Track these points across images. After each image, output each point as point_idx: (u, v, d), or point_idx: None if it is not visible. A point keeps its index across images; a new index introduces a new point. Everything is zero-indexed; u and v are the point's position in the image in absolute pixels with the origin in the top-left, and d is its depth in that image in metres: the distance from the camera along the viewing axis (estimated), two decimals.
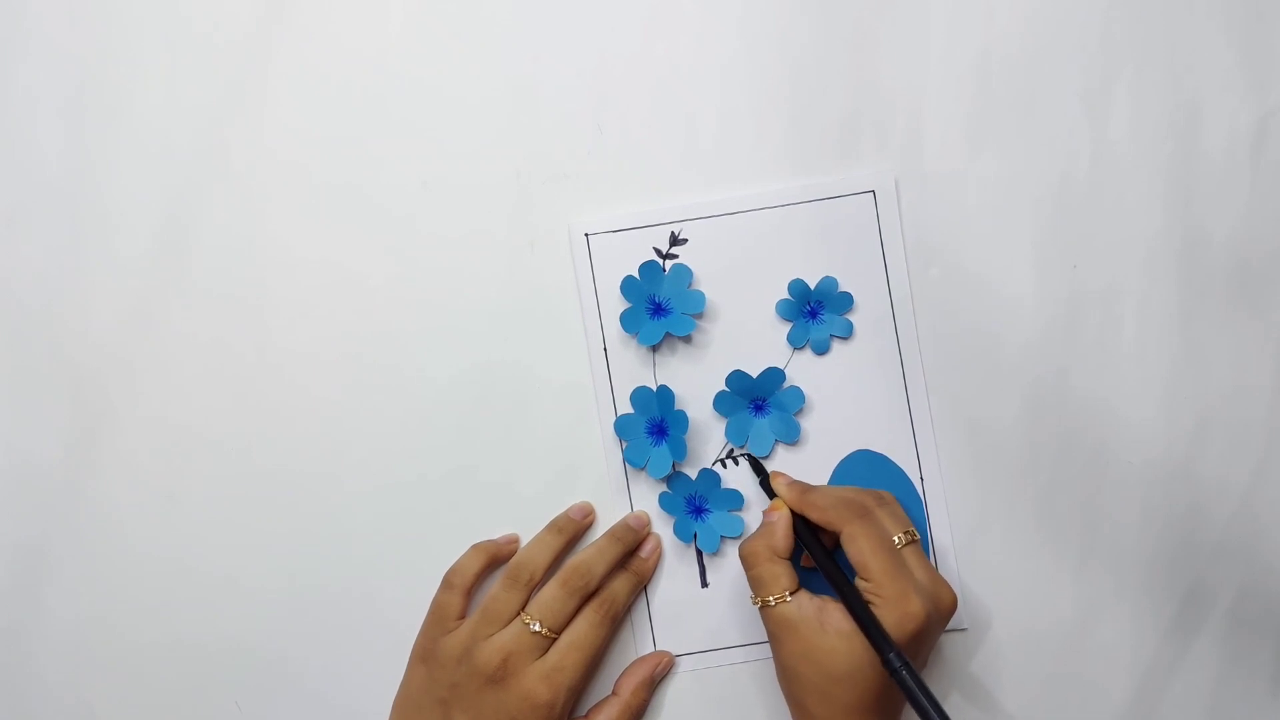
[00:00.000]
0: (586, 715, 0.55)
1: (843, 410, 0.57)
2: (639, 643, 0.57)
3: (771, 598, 0.51)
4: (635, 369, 0.57)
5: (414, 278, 0.58)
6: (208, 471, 0.58)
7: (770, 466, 0.57)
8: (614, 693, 0.56)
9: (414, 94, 0.58)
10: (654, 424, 0.56)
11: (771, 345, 0.57)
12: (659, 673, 0.56)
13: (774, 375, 0.57)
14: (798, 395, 0.57)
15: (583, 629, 0.54)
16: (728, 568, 0.57)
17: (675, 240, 0.57)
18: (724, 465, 0.57)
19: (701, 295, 0.57)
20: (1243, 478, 0.57)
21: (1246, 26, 0.57)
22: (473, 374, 0.58)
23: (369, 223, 0.58)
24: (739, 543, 0.54)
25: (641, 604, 0.57)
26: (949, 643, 0.57)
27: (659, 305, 0.57)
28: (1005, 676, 0.57)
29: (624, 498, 0.57)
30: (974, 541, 0.57)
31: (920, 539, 0.52)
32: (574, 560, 0.55)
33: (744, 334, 0.57)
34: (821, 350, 0.57)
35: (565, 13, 0.58)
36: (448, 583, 0.55)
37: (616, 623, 0.55)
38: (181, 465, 0.58)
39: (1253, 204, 0.57)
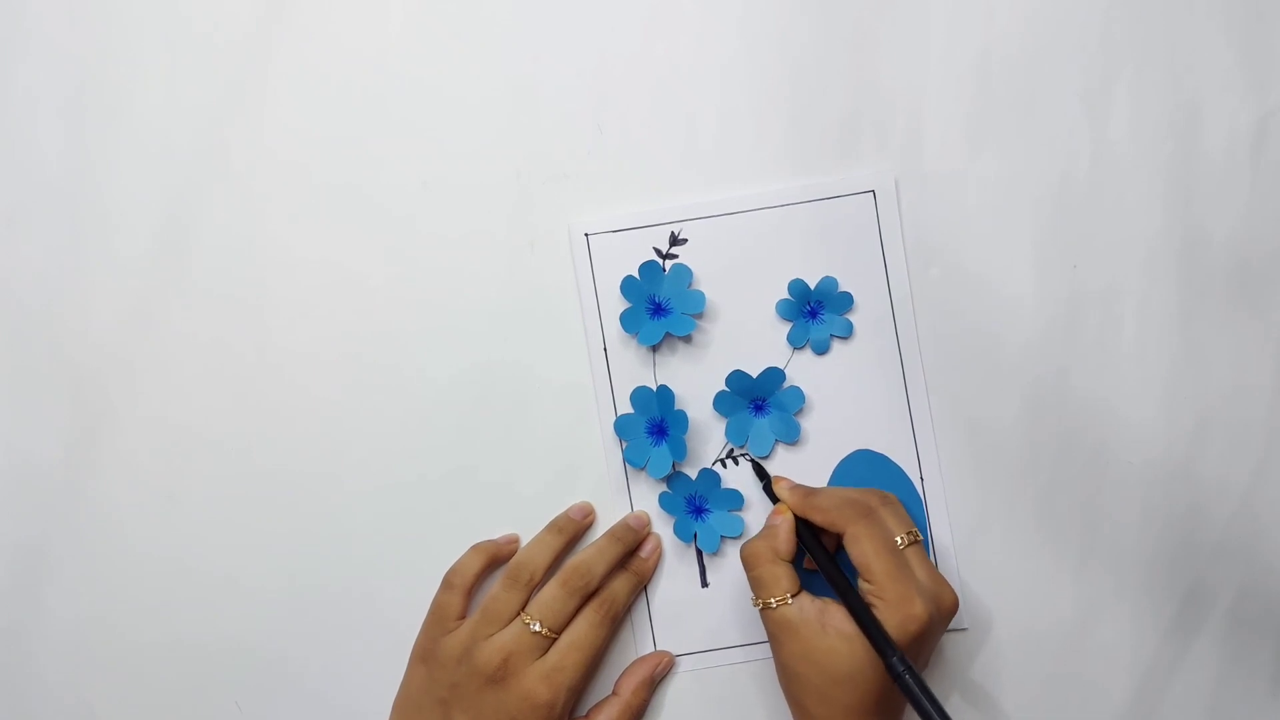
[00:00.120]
0: (586, 715, 0.55)
1: (843, 410, 0.57)
2: (639, 643, 0.57)
3: (773, 599, 0.51)
4: (635, 369, 0.57)
5: (414, 278, 0.58)
6: (208, 471, 0.58)
7: (770, 466, 0.57)
8: (614, 693, 0.56)
9: (414, 94, 0.58)
10: (654, 424, 0.56)
11: (771, 345, 0.57)
12: (659, 673, 0.56)
13: (774, 375, 0.57)
14: (798, 395, 0.57)
15: (583, 629, 0.54)
16: (728, 568, 0.57)
17: (675, 240, 0.57)
18: (724, 465, 0.57)
19: (701, 295, 0.57)
20: (1243, 478, 0.57)
21: (1246, 26, 0.57)
22: (473, 374, 0.58)
23: (369, 223, 0.58)
24: (740, 544, 0.54)
25: (641, 604, 0.57)
26: (950, 643, 0.57)
27: (659, 305, 0.57)
28: (1005, 676, 0.57)
29: (624, 498, 0.57)
30: (974, 541, 0.57)
31: (922, 539, 0.52)
32: (574, 560, 0.55)
33: (744, 334, 0.57)
34: (821, 350, 0.57)
35: (565, 13, 0.58)
36: (448, 583, 0.55)
37: (616, 623, 0.55)
38: (181, 465, 0.58)
39: (1253, 204, 0.57)
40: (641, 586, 0.57)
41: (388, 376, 0.58)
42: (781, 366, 0.57)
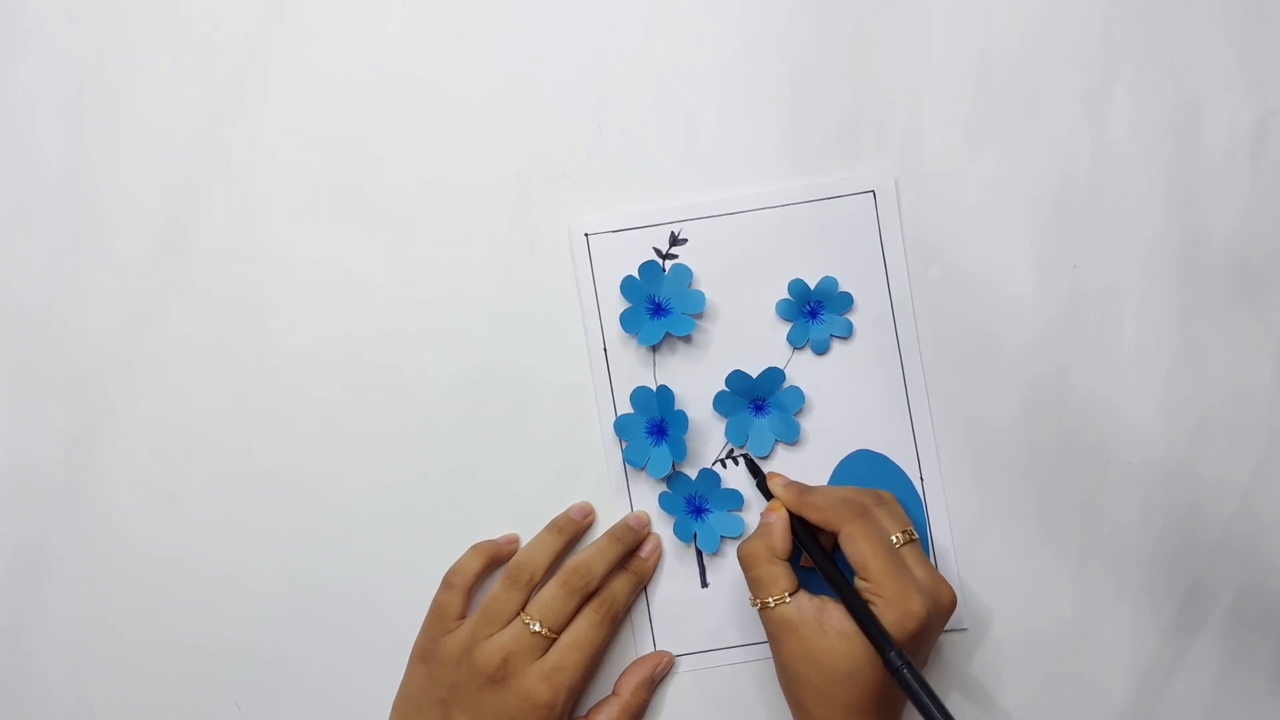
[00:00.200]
0: (586, 715, 0.55)
1: (843, 410, 0.57)
2: (639, 643, 0.57)
3: (771, 599, 0.51)
4: (635, 369, 0.57)
5: (414, 278, 0.58)
6: (208, 471, 0.58)
7: (770, 466, 0.57)
8: (614, 693, 0.56)
9: (414, 94, 0.58)
10: (654, 424, 0.56)
11: (771, 345, 0.57)
12: (659, 673, 0.56)
13: (774, 375, 0.57)
14: (798, 395, 0.57)
15: (583, 629, 0.54)
16: (728, 568, 0.57)
17: (675, 240, 0.57)
18: (724, 465, 0.57)
19: (701, 295, 0.57)
20: (1243, 478, 0.57)
21: (1246, 26, 0.57)
22: (473, 374, 0.58)
23: (369, 223, 0.58)
24: (738, 544, 0.54)
25: (641, 604, 0.57)
26: (949, 643, 0.57)
27: (659, 305, 0.57)
28: (1005, 676, 0.57)
29: (624, 498, 0.57)
30: (974, 541, 0.57)
31: (919, 538, 0.52)
32: (574, 560, 0.55)
33: (744, 334, 0.57)
34: (821, 350, 0.57)
35: (565, 13, 0.58)
36: (448, 583, 0.55)
37: (616, 623, 0.55)
38: (181, 465, 0.58)
39: (1253, 204, 0.57)
40: (641, 586, 0.57)
41: (388, 376, 0.58)
42: (781, 366, 0.57)
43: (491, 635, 0.53)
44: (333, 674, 0.57)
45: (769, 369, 0.56)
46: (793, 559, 0.53)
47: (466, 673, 0.52)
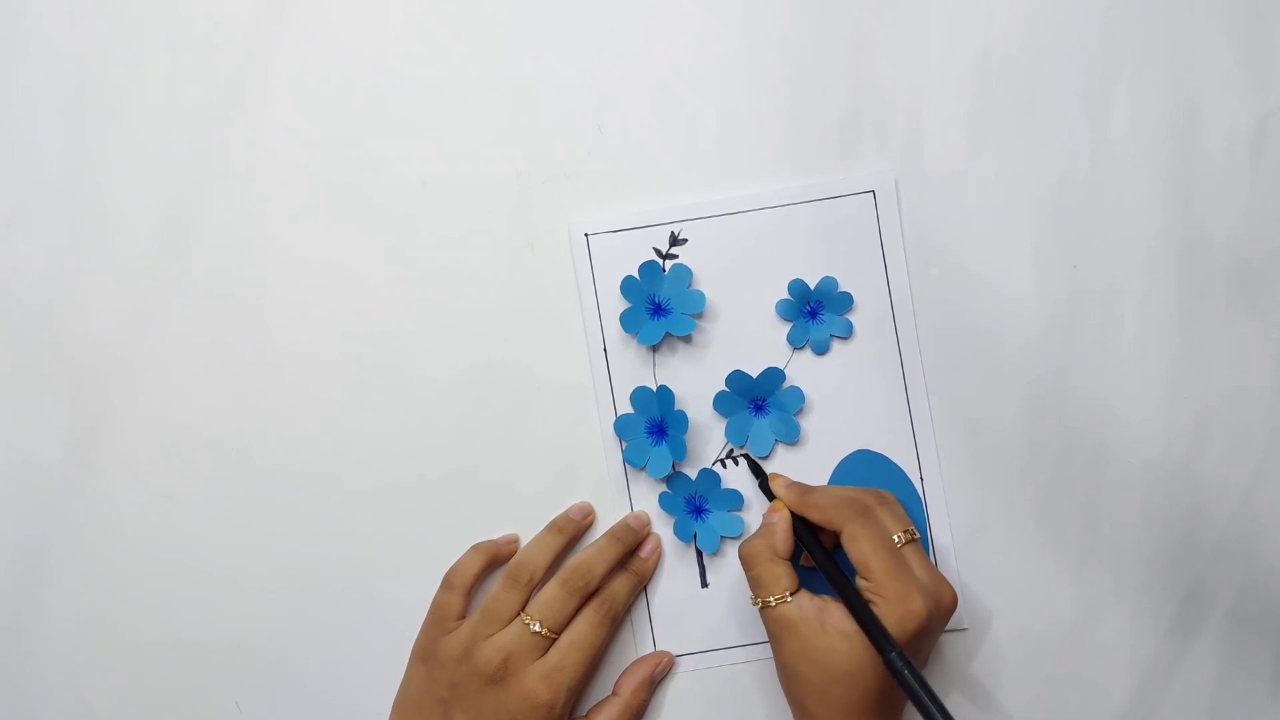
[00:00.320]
0: (586, 715, 0.55)
1: (843, 410, 0.57)
2: (639, 643, 0.57)
3: (772, 598, 0.51)
4: (635, 369, 0.57)
5: (414, 278, 0.58)
6: (208, 471, 0.58)
7: (770, 466, 0.57)
8: (614, 693, 0.56)
9: (414, 94, 0.58)
10: (654, 424, 0.56)
11: (771, 345, 0.57)
12: (659, 673, 0.56)
13: (774, 375, 0.57)
14: (798, 395, 0.57)
15: (583, 629, 0.54)
16: (728, 568, 0.57)
17: (675, 240, 0.57)
18: (724, 465, 0.57)
19: (701, 295, 0.57)
20: (1243, 478, 0.57)
21: (1246, 26, 0.57)
22: (473, 374, 0.58)
23: (369, 223, 0.58)
24: (739, 543, 0.54)
25: (641, 604, 0.57)
26: (949, 643, 0.57)
27: (659, 305, 0.57)
28: (1005, 676, 0.57)
29: (624, 498, 0.57)
30: (974, 541, 0.57)
31: (920, 537, 0.52)
32: (574, 560, 0.55)
33: (744, 334, 0.57)
34: (821, 350, 0.57)
35: (565, 13, 0.58)
36: (448, 583, 0.55)
37: (616, 623, 0.55)
38: (181, 465, 0.58)
39: (1253, 204, 0.57)
40: (641, 586, 0.57)
41: (388, 376, 0.58)
42: (781, 366, 0.57)
43: (491, 635, 0.53)
44: (333, 674, 0.57)
45: (769, 369, 0.56)
46: (793, 558, 0.53)
47: (466, 673, 0.52)
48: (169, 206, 0.58)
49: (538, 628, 0.53)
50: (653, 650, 0.57)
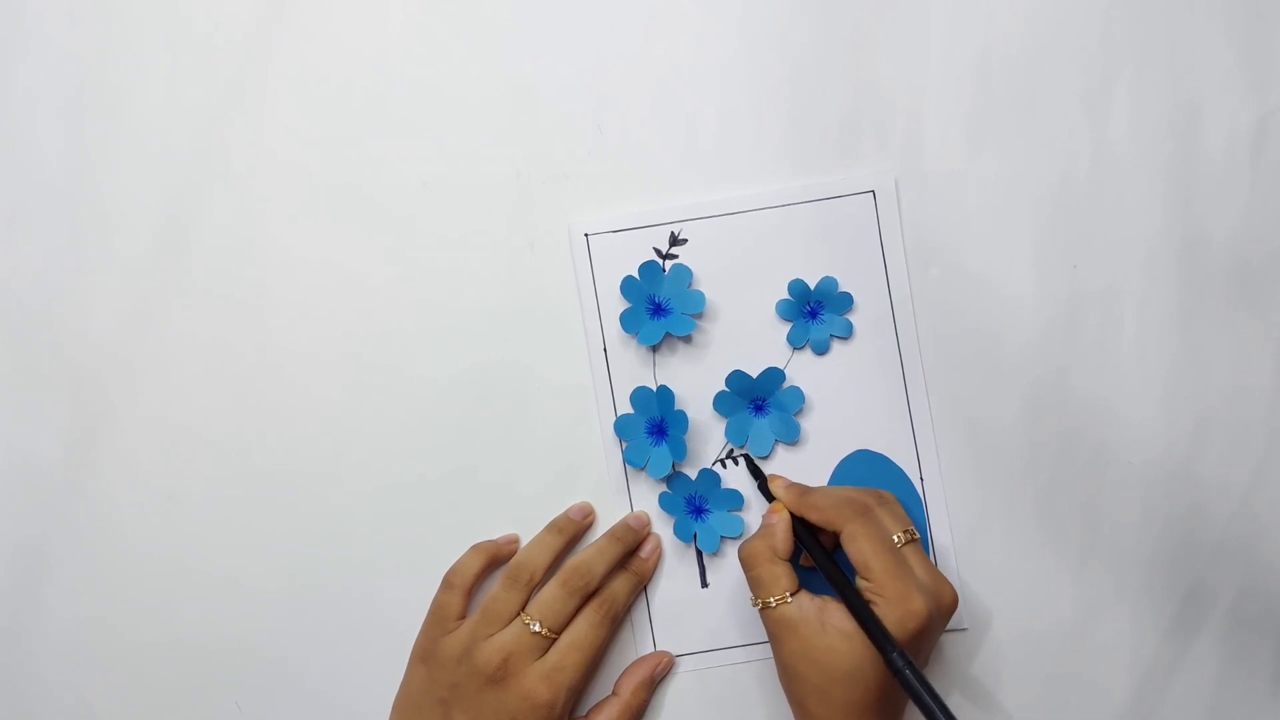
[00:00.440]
0: (586, 715, 0.55)
1: (843, 410, 0.57)
2: (639, 643, 0.57)
3: (772, 599, 0.51)
4: (635, 369, 0.57)
5: (414, 278, 0.58)
6: (208, 471, 0.58)
7: (770, 467, 0.57)
8: (614, 693, 0.56)
9: (414, 94, 0.58)
10: (654, 424, 0.56)
11: (771, 345, 0.57)
12: (659, 673, 0.56)
13: (774, 375, 0.57)
14: (798, 395, 0.57)
15: (583, 629, 0.54)
16: (728, 568, 0.57)
17: (675, 240, 0.57)
18: (724, 465, 0.57)
19: (701, 295, 0.57)
20: (1243, 478, 0.57)
21: (1246, 26, 0.57)
22: (473, 374, 0.58)
23: (369, 223, 0.58)
24: (739, 544, 0.54)
25: (641, 604, 0.57)
26: (949, 643, 0.57)
27: (659, 305, 0.57)
28: (1005, 676, 0.57)
29: (624, 498, 0.57)
30: (974, 541, 0.57)
31: (920, 537, 0.52)
32: (574, 560, 0.55)
33: (744, 334, 0.57)
34: (821, 350, 0.57)
35: (565, 13, 0.58)
36: (448, 583, 0.55)
37: (616, 623, 0.55)
38: (181, 465, 0.58)
39: (1253, 204, 0.57)
40: (641, 586, 0.57)
41: (388, 376, 0.58)
42: (781, 367, 0.57)
43: (491, 635, 0.53)
44: (333, 674, 0.57)
45: (769, 369, 0.56)
46: (793, 559, 0.53)
47: (466, 673, 0.52)
48: (169, 206, 0.58)
49: (538, 628, 0.53)
50: (653, 650, 0.57)
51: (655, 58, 0.58)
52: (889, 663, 0.48)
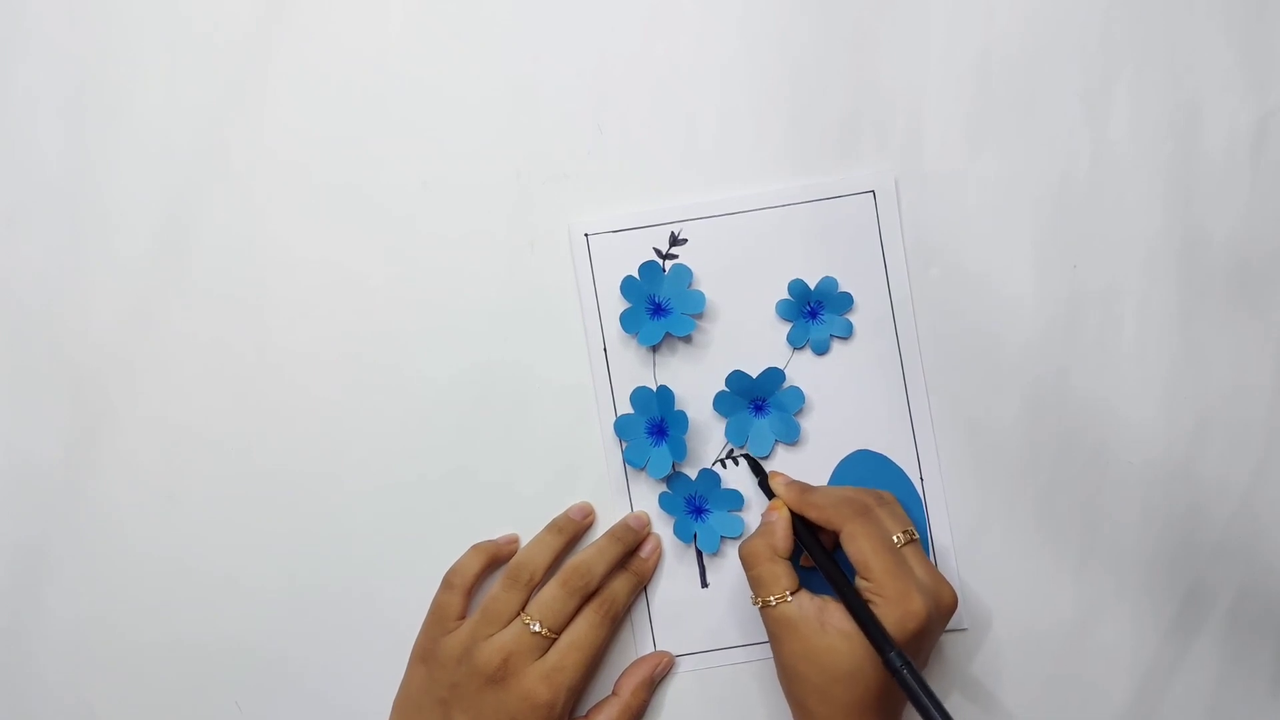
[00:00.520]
0: (586, 715, 0.55)
1: (843, 410, 0.57)
2: (639, 643, 0.57)
3: (772, 598, 0.51)
4: (635, 369, 0.57)
5: (414, 278, 0.58)
6: (208, 471, 0.58)
7: (770, 466, 0.57)
8: (614, 693, 0.56)
9: (414, 94, 0.58)
10: (654, 424, 0.56)
11: (771, 345, 0.57)
12: (659, 673, 0.56)
13: (774, 375, 0.57)
14: (798, 395, 0.57)
15: (583, 629, 0.54)
16: (728, 568, 0.57)
17: (675, 240, 0.57)
18: (724, 465, 0.57)
19: (701, 295, 0.57)
20: (1243, 478, 0.57)
21: (1246, 26, 0.57)
22: (473, 374, 0.58)
23: (369, 223, 0.58)
24: (739, 543, 0.54)
25: (641, 604, 0.57)
26: (949, 643, 0.57)
27: (659, 305, 0.57)
28: (1005, 676, 0.57)
29: (624, 498, 0.57)
30: (974, 541, 0.57)
31: (919, 538, 0.52)
32: (574, 560, 0.55)
33: (744, 334, 0.57)
34: (821, 350, 0.57)
35: (565, 13, 0.58)
36: (448, 583, 0.55)
37: (616, 623, 0.55)
38: (181, 465, 0.58)
39: (1253, 204, 0.57)
40: (641, 586, 0.57)
41: (388, 376, 0.58)
42: (781, 367, 0.57)
43: (491, 635, 0.53)
44: (333, 674, 0.57)
45: (769, 369, 0.56)
46: (793, 558, 0.53)
47: (466, 673, 0.52)
48: (169, 206, 0.58)
49: (538, 628, 0.53)
50: (653, 650, 0.57)
51: (655, 58, 0.58)
52: (886, 662, 0.48)
